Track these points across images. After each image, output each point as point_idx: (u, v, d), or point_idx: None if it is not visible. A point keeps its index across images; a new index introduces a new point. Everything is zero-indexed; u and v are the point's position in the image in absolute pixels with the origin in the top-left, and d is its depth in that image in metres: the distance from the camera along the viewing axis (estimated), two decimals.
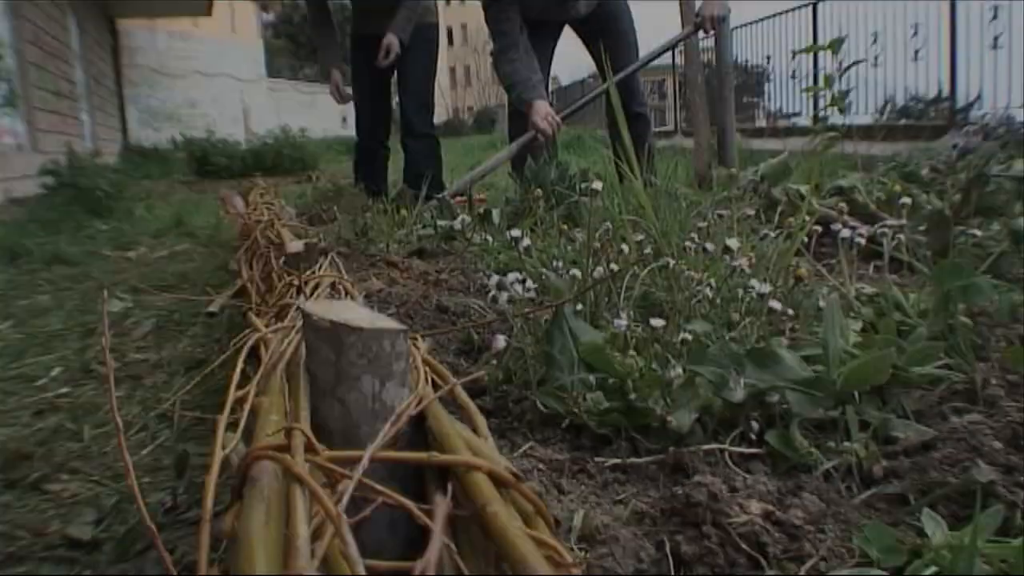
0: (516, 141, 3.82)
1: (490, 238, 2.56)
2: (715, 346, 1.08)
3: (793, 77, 11.13)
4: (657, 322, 1.12)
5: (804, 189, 2.33)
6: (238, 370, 0.83)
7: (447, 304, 1.62)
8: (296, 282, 1.20)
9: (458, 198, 4.16)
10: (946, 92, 8.08)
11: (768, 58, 11.51)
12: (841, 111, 3.17)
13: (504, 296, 1.15)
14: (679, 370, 1.05)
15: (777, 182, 2.45)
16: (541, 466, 0.94)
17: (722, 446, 1.02)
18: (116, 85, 15.40)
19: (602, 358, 1.08)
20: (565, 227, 1.59)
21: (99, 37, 13.90)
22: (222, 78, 19.54)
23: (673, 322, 1.19)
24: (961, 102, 7.87)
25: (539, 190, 2.77)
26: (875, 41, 8.73)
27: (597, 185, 1.37)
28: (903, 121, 8.68)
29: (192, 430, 1.61)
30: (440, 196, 3.25)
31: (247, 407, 0.69)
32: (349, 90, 4.82)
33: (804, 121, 10.83)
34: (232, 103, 20.00)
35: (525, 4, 3.80)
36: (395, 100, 5.10)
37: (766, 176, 2.50)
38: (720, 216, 1.54)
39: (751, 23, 11.52)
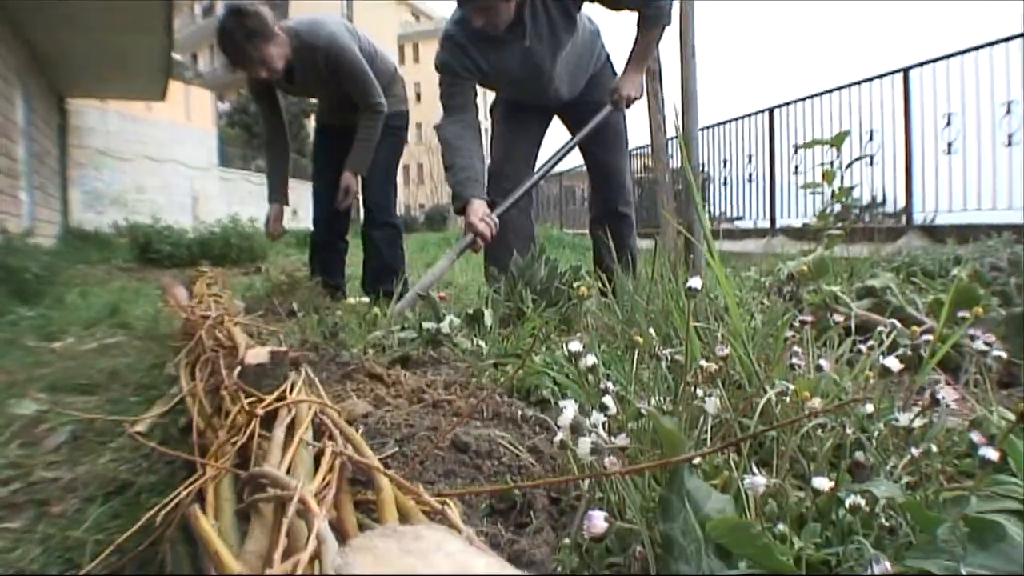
0: (454, 248, 3.49)
1: (483, 343, 2.19)
2: (944, 527, 0.73)
3: (750, 180, 11.31)
4: (822, 483, 0.78)
5: (837, 290, 2.07)
6: None
7: (465, 439, 1.21)
8: (258, 411, 0.84)
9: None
10: (901, 196, 8.24)
11: (725, 162, 11.70)
12: (847, 207, 2.96)
13: (586, 444, 0.78)
14: (885, 564, 0.69)
15: (807, 283, 2.17)
16: None
17: None
18: (60, 165, 14.97)
19: (748, 541, 0.70)
20: (638, 339, 1.24)
21: (46, 114, 13.54)
22: (172, 164, 19.30)
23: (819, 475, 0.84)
24: (918, 206, 8.03)
25: (527, 289, 2.46)
26: (831, 146, 8.89)
27: (695, 283, 1.04)
28: (838, 224, 8.84)
29: None
30: (420, 294, 2.84)
31: None
32: (283, 226, 4.56)
33: (746, 224, 11.01)
34: (181, 190, 19.72)
35: (502, 83, 3.63)
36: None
37: (798, 276, 2.21)
38: (803, 323, 1.22)
39: (707, 127, 11.73)
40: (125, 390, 2.53)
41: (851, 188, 2.93)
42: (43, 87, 13.25)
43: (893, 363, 0.95)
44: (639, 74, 3.76)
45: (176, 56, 15.48)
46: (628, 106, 3.83)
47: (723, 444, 0.84)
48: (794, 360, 1.08)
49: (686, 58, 4.76)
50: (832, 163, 3.15)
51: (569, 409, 0.83)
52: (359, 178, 4.31)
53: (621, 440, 0.82)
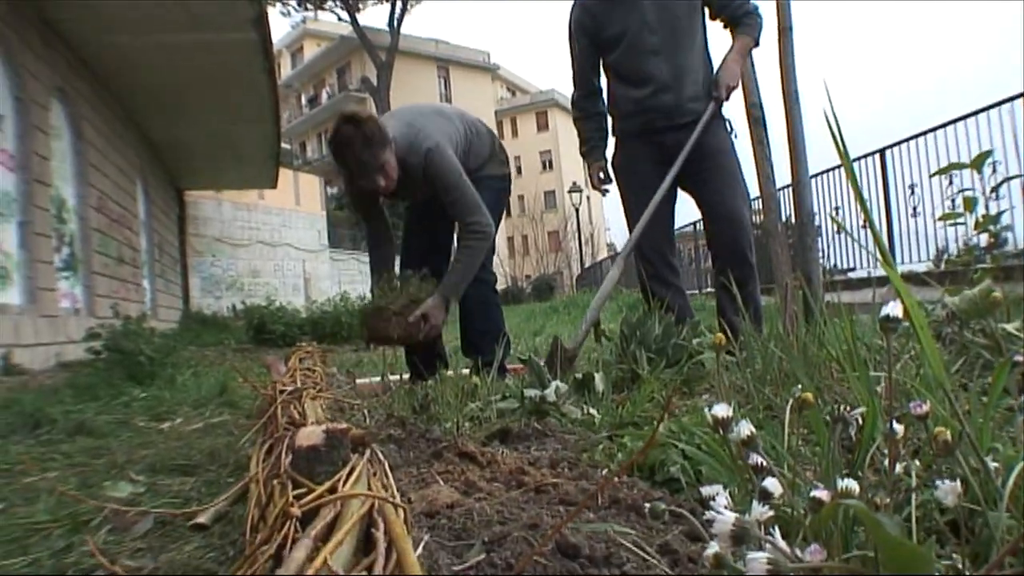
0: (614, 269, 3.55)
1: (595, 412, 1.94)
2: None
3: (865, 227, 10.72)
4: None
5: (1012, 327, 1.72)
6: None
7: (574, 540, 0.91)
8: (294, 510, 0.64)
9: (516, 367, 3.65)
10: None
11: (837, 209, 11.13)
12: (994, 236, 2.58)
13: (760, 564, 0.53)
14: None
15: (973, 321, 1.81)
16: None
17: None
18: (180, 253, 15.68)
19: None
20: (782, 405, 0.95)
21: (166, 206, 14.25)
22: (284, 248, 19.98)
23: None
24: None
25: (640, 349, 2.21)
26: (951, 182, 8.26)
27: (895, 309, 0.77)
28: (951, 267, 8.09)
29: None
30: (526, 358, 2.57)
31: None
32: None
33: (860, 274, 10.41)
34: (294, 272, 20.35)
35: (610, 39, 3.75)
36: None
37: (962, 313, 1.84)
38: (1016, 364, 0.92)
39: (817, 174, 11.21)
40: (223, 471, 2.41)
41: (999, 214, 2.55)
42: (163, 182, 13.99)
43: None
44: (737, 64, 3.70)
45: (284, 145, 16.17)
46: (727, 97, 3.74)
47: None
48: None
49: (789, 102, 4.51)
50: (965, 191, 2.80)
51: (721, 504, 0.59)
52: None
53: (814, 554, 0.56)
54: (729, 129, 3.87)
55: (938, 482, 0.64)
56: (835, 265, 11.46)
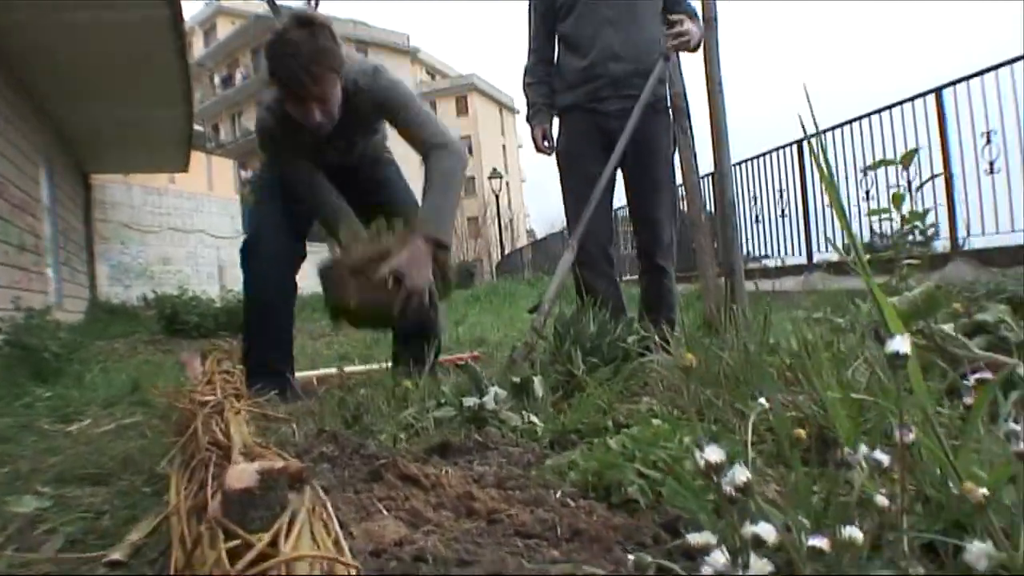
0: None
1: (535, 419, 1.86)
2: None
3: (783, 216, 11.03)
4: None
5: (949, 328, 1.74)
6: None
7: None
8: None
9: (451, 357, 3.56)
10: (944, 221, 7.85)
11: (755, 198, 11.42)
12: (923, 233, 2.64)
13: None
14: None
15: (915, 322, 1.82)
16: None
17: None
18: (86, 240, 15.03)
19: None
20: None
21: (71, 191, 13.63)
22: (197, 234, 19.41)
23: None
24: (962, 230, 7.67)
25: (576, 348, 2.17)
26: (865, 174, 8.66)
27: (902, 345, 0.70)
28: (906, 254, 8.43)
29: None
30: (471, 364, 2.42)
31: None
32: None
33: (773, 262, 10.74)
34: (207, 260, 19.79)
35: (567, 69, 3.80)
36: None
37: (903, 315, 1.84)
38: (981, 383, 0.88)
39: (736, 164, 11.45)
40: (137, 479, 2.27)
41: (926, 212, 2.61)
42: (68, 165, 13.37)
43: None
44: (697, 28, 3.73)
45: (197, 127, 15.65)
46: (686, 46, 3.76)
47: None
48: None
49: (713, 92, 4.54)
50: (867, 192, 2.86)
51: (719, 561, 0.53)
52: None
53: None
54: (672, 121, 3.89)
55: (968, 545, 0.60)
56: (749, 253, 11.74)
